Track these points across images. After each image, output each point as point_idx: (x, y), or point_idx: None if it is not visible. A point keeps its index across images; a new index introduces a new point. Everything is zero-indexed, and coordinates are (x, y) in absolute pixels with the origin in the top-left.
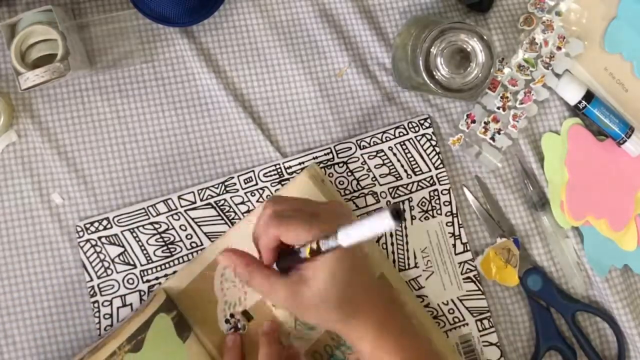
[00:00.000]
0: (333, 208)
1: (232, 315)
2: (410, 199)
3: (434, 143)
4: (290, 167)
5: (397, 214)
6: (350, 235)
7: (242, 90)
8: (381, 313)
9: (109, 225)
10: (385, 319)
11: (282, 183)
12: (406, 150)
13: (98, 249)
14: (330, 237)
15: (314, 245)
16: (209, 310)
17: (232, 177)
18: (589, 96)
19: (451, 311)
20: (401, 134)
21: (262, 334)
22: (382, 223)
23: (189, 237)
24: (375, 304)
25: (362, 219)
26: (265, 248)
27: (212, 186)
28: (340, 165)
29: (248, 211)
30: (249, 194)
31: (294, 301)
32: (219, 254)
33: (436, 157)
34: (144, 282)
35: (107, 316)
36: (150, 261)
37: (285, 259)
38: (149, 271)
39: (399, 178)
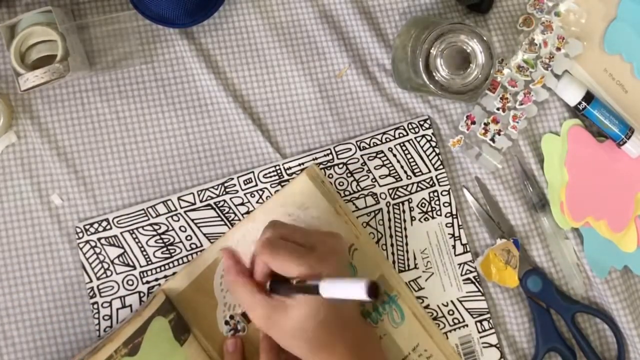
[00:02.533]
0: (330, 243)
1: (231, 317)
2: (410, 200)
3: (433, 144)
4: (290, 168)
5: (373, 292)
6: (329, 291)
7: (241, 91)
8: (354, 353)
9: (108, 227)
10: (357, 356)
11: (282, 184)
12: (406, 151)
13: (97, 250)
14: (314, 282)
15: (300, 285)
16: (208, 312)
17: (232, 178)
18: (589, 97)
19: (451, 312)
20: (401, 135)
21: (262, 337)
22: (357, 293)
23: (188, 238)
24: (350, 344)
25: (343, 280)
26: (259, 267)
27: (212, 187)
28: (340, 166)
29: (248, 212)
30: (248, 195)
31: (269, 324)
32: (221, 249)
33: (436, 158)
34: (143, 284)
35: (106, 317)
36: (149, 262)
37: (278, 283)
38: (149, 272)
39: (398, 179)
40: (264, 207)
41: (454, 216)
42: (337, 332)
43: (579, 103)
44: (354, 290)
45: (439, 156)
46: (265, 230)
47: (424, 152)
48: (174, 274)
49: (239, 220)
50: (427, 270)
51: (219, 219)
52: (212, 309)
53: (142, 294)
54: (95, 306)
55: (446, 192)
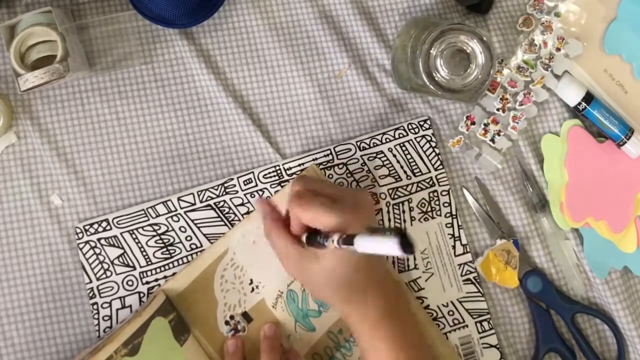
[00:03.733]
0: (356, 197)
1: (232, 317)
2: (410, 200)
3: (433, 144)
4: (289, 168)
5: (407, 247)
6: (363, 245)
7: (241, 91)
8: (385, 303)
9: (108, 227)
10: (388, 309)
11: (282, 184)
12: (406, 152)
13: (97, 251)
14: (348, 237)
15: (335, 238)
16: (208, 312)
17: (232, 179)
18: (589, 97)
19: (451, 313)
20: (401, 135)
21: (263, 337)
22: (391, 248)
23: (188, 238)
24: (380, 294)
25: (378, 235)
26: (294, 221)
27: (212, 187)
28: (340, 166)
29: (247, 213)
30: (248, 196)
31: (301, 272)
32: (256, 200)
33: (436, 158)
34: (143, 284)
35: (106, 318)
36: (149, 263)
37: (313, 235)
38: (149, 273)
39: (398, 179)
40: None
41: (454, 216)
42: (368, 283)
43: (579, 103)
44: (388, 245)
45: (439, 156)
46: (294, 183)
47: (424, 152)
48: (173, 274)
49: (239, 220)
50: (427, 271)
51: (219, 219)
52: (212, 309)
53: (142, 295)
54: (95, 307)
55: (446, 193)
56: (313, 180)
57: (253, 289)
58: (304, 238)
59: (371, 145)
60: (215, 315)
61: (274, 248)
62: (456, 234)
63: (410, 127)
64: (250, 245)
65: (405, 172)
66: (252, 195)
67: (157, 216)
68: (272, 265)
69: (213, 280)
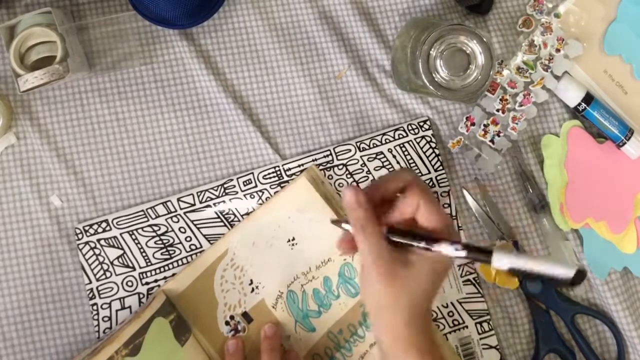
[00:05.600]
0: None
1: (232, 317)
2: None
3: (433, 145)
4: (289, 169)
5: (578, 278)
6: (512, 263)
7: (241, 92)
8: (423, 324)
9: (108, 228)
10: (423, 332)
11: (282, 185)
12: (405, 152)
13: (97, 252)
14: (474, 247)
15: (459, 249)
16: (209, 313)
17: (232, 179)
18: (589, 98)
19: (451, 314)
20: (401, 136)
21: (263, 337)
22: (563, 273)
23: (188, 239)
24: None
25: (537, 258)
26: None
27: (212, 188)
28: (340, 167)
29: (247, 213)
30: (248, 196)
31: (392, 275)
32: (344, 189)
33: (435, 159)
34: (143, 285)
35: (105, 319)
36: (149, 263)
37: (397, 233)
38: (148, 273)
39: None
40: (263, 208)
41: (454, 217)
42: (429, 315)
43: (579, 104)
44: (563, 271)
45: (439, 157)
46: (401, 173)
47: (424, 153)
48: (173, 275)
49: (239, 221)
50: None
51: (219, 219)
52: (213, 309)
53: (141, 295)
54: (95, 307)
55: (446, 193)
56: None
57: (253, 289)
58: (384, 231)
59: (371, 146)
60: (215, 316)
61: (365, 240)
62: None
63: (410, 127)
64: (250, 246)
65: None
66: (252, 196)
67: (156, 217)
68: (272, 266)
69: (213, 281)
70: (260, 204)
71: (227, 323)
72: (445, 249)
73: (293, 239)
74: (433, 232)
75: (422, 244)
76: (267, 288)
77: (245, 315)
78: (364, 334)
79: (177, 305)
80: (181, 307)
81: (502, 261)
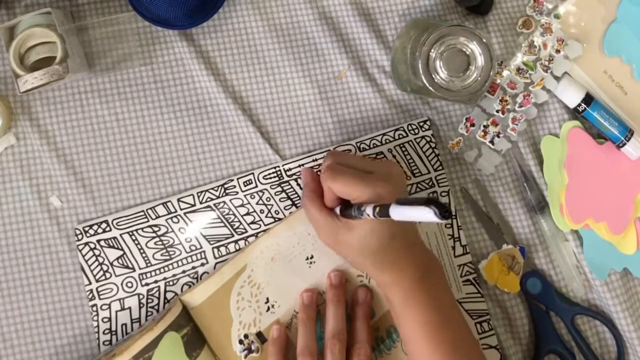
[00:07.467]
0: (388, 169)
1: (246, 336)
2: None
3: (433, 145)
4: (289, 169)
5: (444, 213)
6: (399, 213)
7: (241, 92)
8: (415, 270)
9: (107, 228)
10: (419, 275)
11: (282, 185)
12: (405, 153)
13: (97, 252)
14: (383, 207)
15: (369, 209)
16: (222, 330)
17: (232, 180)
18: (589, 99)
19: None
20: (401, 136)
21: (329, 286)
22: (428, 215)
23: (188, 240)
24: (412, 260)
25: (412, 205)
26: (327, 193)
27: (212, 189)
28: None
29: (247, 213)
30: (248, 197)
31: (335, 242)
32: (302, 169)
33: (435, 159)
34: (142, 286)
35: (105, 320)
36: (149, 264)
37: (347, 207)
38: (148, 274)
39: None
40: (284, 224)
41: (454, 217)
42: (403, 251)
43: (579, 105)
44: (425, 212)
45: (439, 157)
46: (325, 158)
47: (424, 153)
48: (173, 275)
49: (239, 221)
50: None
51: (219, 220)
52: (227, 326)
53: (141, 296)
54: (94, 308)
55: (445, 194)
56: (344, 154)
57: (269, 308)
58: (337, 210)
59: (371, 146)
60: (229, 333)
61: (310, 219)
62: (456, 235)
63: (410, 128)
64: (268, 262)
65: (404, 172)
66: (252, 197)
67: (156, 217)
68: (289, 285)
69: (229, 297)
70: (262, 204)
71: (240, 342)
72: (353, 215)
73: (312, 257)
74: (364, 203)
75: (355, 213)
76: (282, 307)
77: (259, 335)
78: (382, 352)
79: (194, 317)
80: (196, 321)
81: (397, 214)
